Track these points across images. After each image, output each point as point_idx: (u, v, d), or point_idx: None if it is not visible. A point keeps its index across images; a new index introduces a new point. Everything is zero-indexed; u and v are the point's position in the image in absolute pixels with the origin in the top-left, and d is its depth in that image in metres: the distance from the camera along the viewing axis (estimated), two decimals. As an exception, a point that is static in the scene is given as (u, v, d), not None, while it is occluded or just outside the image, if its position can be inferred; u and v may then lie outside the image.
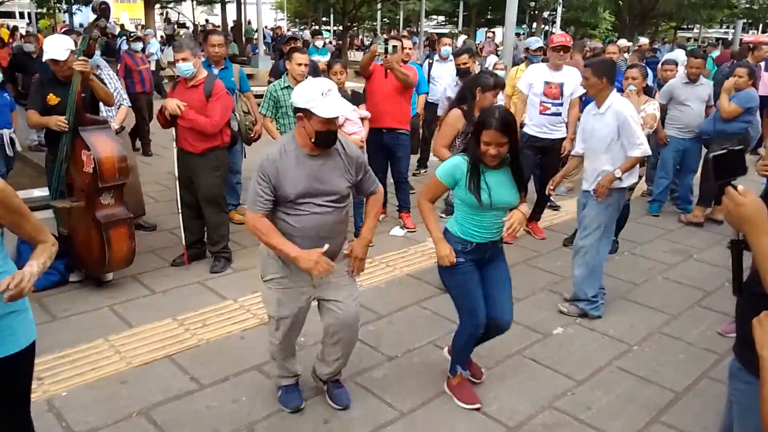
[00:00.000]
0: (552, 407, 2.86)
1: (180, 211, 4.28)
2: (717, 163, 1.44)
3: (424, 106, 6.20)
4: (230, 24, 24.82)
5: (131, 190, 4.36)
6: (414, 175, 6.70)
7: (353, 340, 2.72)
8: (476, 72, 4.80)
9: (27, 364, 1.89)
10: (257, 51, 17.57)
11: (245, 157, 5.43)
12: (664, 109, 5.44)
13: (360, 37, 36.49)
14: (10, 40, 14.50)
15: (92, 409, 2.73)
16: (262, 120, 4.66)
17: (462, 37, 17.35)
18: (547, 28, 26.23)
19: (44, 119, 3.77)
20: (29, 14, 28.30)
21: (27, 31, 14.67)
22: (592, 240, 3.61)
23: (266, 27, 25.72)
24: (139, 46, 7.46)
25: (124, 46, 7.51)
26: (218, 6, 27.38)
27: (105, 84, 4.25)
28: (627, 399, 2.95)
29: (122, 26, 23.53)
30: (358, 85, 6.49)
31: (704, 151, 5.68)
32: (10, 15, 31.76)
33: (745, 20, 23.98)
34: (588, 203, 3.66)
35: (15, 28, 19.70)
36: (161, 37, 21.77)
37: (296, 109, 2.38)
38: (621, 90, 4.85)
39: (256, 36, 19.26)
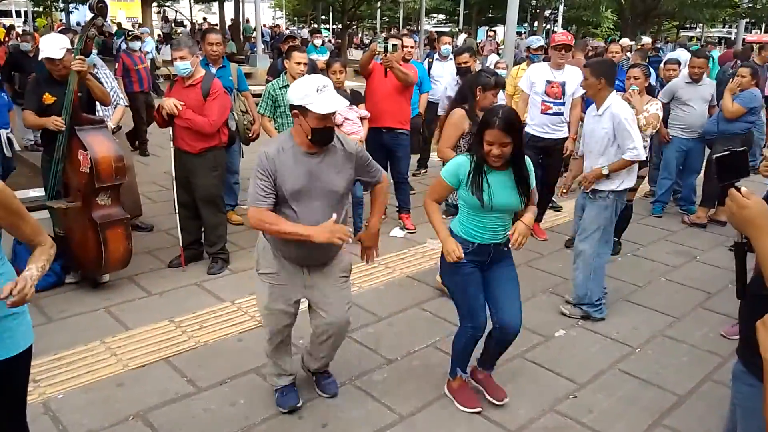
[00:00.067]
0: (553, 410, 2.83)
1: (177, 211, 4.24)
2: (720, 165, 1.42)
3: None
4: (228, 22, 24.78)
5: (128, 191, 4.33)
6: (414, 175, 6.66)
7: (340, 341, 2.78)
8: (477, 71, 4.75)
9: (24, 367, 1.87)
10: (255, 50, 17.54)
11: (243, 156, 5.40)
12: (666, 109, 5.40)
13: (359, 35, 36.48)
14: (6, 39, 14.47)
15: (88, 411, 2.70)
16: (261, 119, 4.63)
17: (462, 36, 17.33)
18: (548, 26, 26.20)
19: (41, 120, 3.73)
20: (26, 13, 28.27)
21: (24, 30, 14.61)
22: (592, 243, 3.59)
23: (265, 25, 25.68)
24: (137, 45, 7.43)
25: (125, 46, 7.47)
26: (216, 4, 27.36)
27: (102, 83, 4.21)
28: (629, 402, 2.92)
29: (119, 25, 23.50)
30: (357, 84, 6.46)
31: (707, 151, 5.66)
32: (6, 14, 31.74)
33: (747, 20, 23.98)
34: (587, 205, 3.64)
35: (11, 27, 19.66)
36: (158, 35, 21.74)
37: (292, 107, 2.36)
38: (623, 89, 4.81)
39: (254, 34, 19.21)
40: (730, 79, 5.45)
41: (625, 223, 4.81)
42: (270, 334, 2.64)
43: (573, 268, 3.74)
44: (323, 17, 32.50)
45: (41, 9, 23.06)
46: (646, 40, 11.38)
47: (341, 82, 4.49)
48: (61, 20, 24.75)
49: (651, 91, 4.91)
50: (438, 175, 2.66)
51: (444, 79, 6.18)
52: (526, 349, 3.33)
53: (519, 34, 21.14)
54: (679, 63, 6.22)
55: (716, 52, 13.15)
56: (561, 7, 23.17)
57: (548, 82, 4.80)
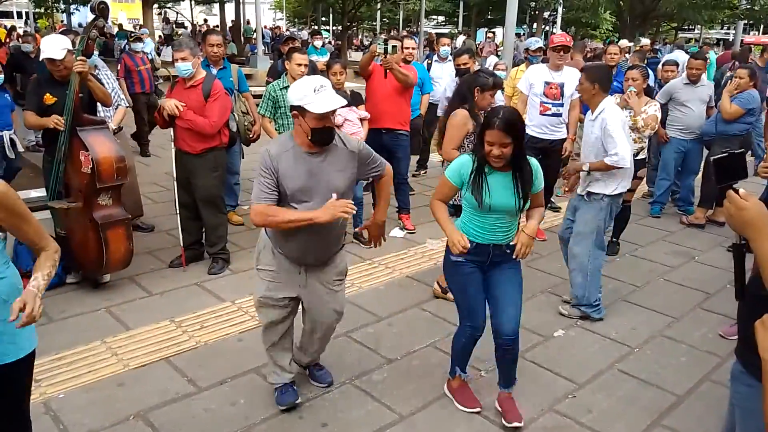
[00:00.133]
0: (552, 410, 2.84)
1: (178, 212, 4.25)
2: (718, 167, 1.43)
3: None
4: (229, 24, 24.80)
5: (129, 191, 4.34)
6: (414, 176, 6.68)
7: (330, 335, 2.86)
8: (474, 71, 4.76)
9: (27, 370, 1.88)
10: (256, 51, 17.55)
11: (243, 157, 5.41)
12: (664, 110, 5.42)
13: (359, 37, 36.50)
14: (7, 40, 14.48)
15: (89, 411, 2.70)
16: (261, 120, 4.64)
17: (461, 38, 17.35)
18: (547, 28, 26.22)
19: (42, 120, 3.74)
20: (27, 14, 28.29)
21: (25, 31, 14.63)
22: (587, 245, 3.60)
23: (265, 27, 25.72)
24: (139, 46, 7.42)
25: (127, 47, 7.45)
26: (217, 6, 27.37)
27: (103, 84, 4.22)
28: (628, 402, 2.93)
29: (120, 26, 23.52)
30: (357, 86, 6.47)
31: (705, 152, 5.68)
32: (7, 15, 31.76)
33: (746, 21, 24.00)
34: (581, 207, 3.65)
35: (13, 28, 19.67)
36: (159, 37, 21.76)
37: (292, 108, 2.39)
38: (621, 91, 4.83)
39: (254, 36, 19.23)
40: (729, 81, 5.47)
41: (623, 224, 4.83)
42: (264, 328, 2.67)
43: (569, 270, 3.75)
44: (323, 19, 32.52)
45: (42, 10, 23.06)
46: (645, 41, 11.42)
47: (341, 83, 4.50)
48: (62, 21, 24.76)
49: (649, 93, 4.93)
50: (441, 176, 2.67)
51: (443, 81, 6.20)
52: (525, 349, 3.34)
53: (518, 35, 21.15)
54: (677, 64, 6.24)
55: (713, 54, 13.19)
56: (560, 9, 23.19)
57: (547, 83, 4.81)
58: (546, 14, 25.93)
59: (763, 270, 1.35)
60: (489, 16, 28.51)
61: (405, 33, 19.28)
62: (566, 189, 3.95)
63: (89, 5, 3.92)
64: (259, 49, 17.41)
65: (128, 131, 6.08)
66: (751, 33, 33.87)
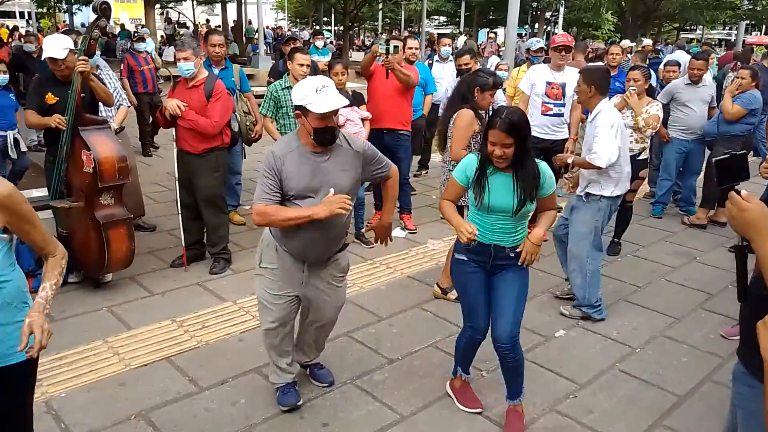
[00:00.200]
0: (554, 410, 2.84)
1: (179, 212, 4.26)
2: (720, 168, 1.43)
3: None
4: (231, 24, 24.82)
5: (131, 191, 4.34)
6: (415, 176, 6.68)
7: (329, 331, 2.90)
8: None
9: (31, 371, 1.87)
10: (258, 51, 17.56)
11: (245, 157, 5.42)
12: (665, 110, 5.42)
13: (361, 37, 36.52)
14: (9, 40, 14.52)
15: (90, 411, 2.71)
16: (263, 120, 4.64)
17: (462, 38, 17.33)
18: (549, 28, 26.21)
19: (44, 119, 3.75)
20: (29, 14, 28.34)
21: (27, 31, 14.67)
22: (585, 246, 3.60)
23: (267, 27, 25.74)
24: (142, 46, 7.43)
25: (138, 46, 7.46)
26: (219, 6, 27.39)
27: (105, 84, 4.23)
28: (629, 402, 2.93)
29: (122, 26, 23.56)
30: (359, 86, 6.48)
31: (707, 152, 5.67)
32: (10, 15, 31.82)
33: (747, 21, 23.97)
34: (580, 208, 3.65)
35: (15, 28, 19.72)
36: (161, 36, 21.78)
37: (295, 107, 2.41)
38: (623, 91, 4.82)
39: (256, 36, 19.24)
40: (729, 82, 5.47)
41: (625, 224, 4.83)
42: (265, 329, 2.66)
43: (570, 271, 3.75)
44: (325, 19, 32.54)
45: (44, 10, 23.08)
46: (647, 42, 11.40)
47: (343, 83, 4.50)
48: (64, 21, 24.80)
49: (651, 93, 4.93)
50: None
51: (444, 81, 6.20)
52: (527, 349, 3.33)
53: (520, 36, 21.16)
54: (678, 65, 6.24)
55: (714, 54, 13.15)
56: (561, 9, 23.17)
57: (548, 83, 4.81)
58: (548, 14, 25.91)
59: (765, 270, 1.35)
60: (491, 17, 28.49)
61: (407, 33, 19.27)
62: (570, 187, 3.95)
63: (91, 5, 3.93)
64: (261, 49, 17.41)
65: (130, 131, 6.08)
66: (753, 33, 33.82)
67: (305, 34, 21.39)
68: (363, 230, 4.82)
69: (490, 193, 2.48)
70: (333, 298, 2.72)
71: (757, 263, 1.40)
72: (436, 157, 6.83)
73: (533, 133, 4.86)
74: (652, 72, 5.16)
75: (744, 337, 1.64)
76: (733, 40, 20.69)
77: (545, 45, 7.33)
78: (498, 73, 6.69)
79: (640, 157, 4.55)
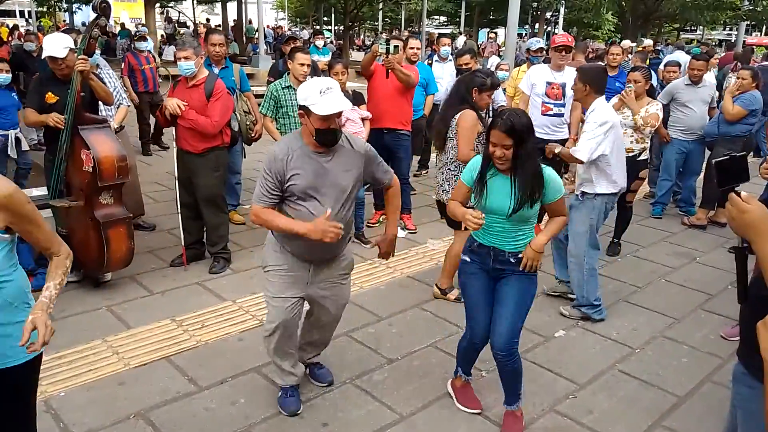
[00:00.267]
0: (553, 411, 2.84)
1: (179, 211, 4.26)
2: (720, 170, 1.43)
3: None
4: (231, 23, 24.81)
5: (130, 190, 4.34)
6: (415, 176, 6.68)
7: (333, 328, 2.90)
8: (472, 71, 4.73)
9: (34, 372, 1.86)
10: (258, 50, 17.56)
11: (245, 157, 5.41)
12: (666, 111, 5.41)
13: (361, 37, 36.52)
14: (9, 39, 14.51)
15: (90, 410, 2.71)
16: (263, 120, 4.64)
17: (461, 38, 17.33)
18: (549, 28, 26.21)
19: (42, 117, 3.74)
20: (29, 13, 28.35)
21: (27, 30, 14.67)
22: (583, 244, 3.62)
23: (268, 26, 25.74)
24: (144, 45, 7.42)
25: (139, 45, 7.45)
26: (219, 5, 27.39)
27: (104, 83, 4.23)
28: (629, 403, 2.93)
29: (122, 25, 23.56)
30: (359, 85, 6.47)
31: (707, 153, 5.67)
32: (10, 14, 31.81)
33: (748, 22, 23.97)
34: (575, 207, 3.66)
35: (15, 27, 19.72)
36: (161, 36, 21.77)
37: (299, 107, 2.41)
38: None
39: (256, 35, 19.25)
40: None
41: (625, 225, 4.83)
42: (268, 333, 2.62)
43: (569, 270, 3.76)
44: (325, 18, 32.54)
45: (45, 9, 23.08)
46: (648, 42, 11.40)
47: (343, 83, 4.50)
48: (64, 20, 24.80)
49: (652, 93, 4.93)
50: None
51: (444, 80, 6.20)
52: (526, 350, 3.34)
53: (520, 36, 21.15)
54: (679, 65, 6.23)
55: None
56: (562, 9, 23.18)
57: (549, 83, 4.81)
58: (548, 15, 25.92)
59: (765, 271, 1.35)
60: (491, 17, 28.51)
61: (407, 33, 19.27)
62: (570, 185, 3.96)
63: (91, 4, 3.92)
64: (261, 49, 17.42)
65: (130, 130, 6.08)
66: (753, 34, 33.84)
67: (305, 34, 21.39)
68: (362, 230, 4.82)
69: (488, 194, 2.48)
70: (338, 296, 2.72)
71: (757, 264, 1.40)
72: (435, 157, 6.83)
73: (533, 133, 4.89)
74: (652, 72, 5.16)
75: (744, 338, 1.64)
76: (733, 41, 20.69)
77: (545, 45, 7.33)
78: (499, 73, 6.70)
79: (641, 158, 4.55)
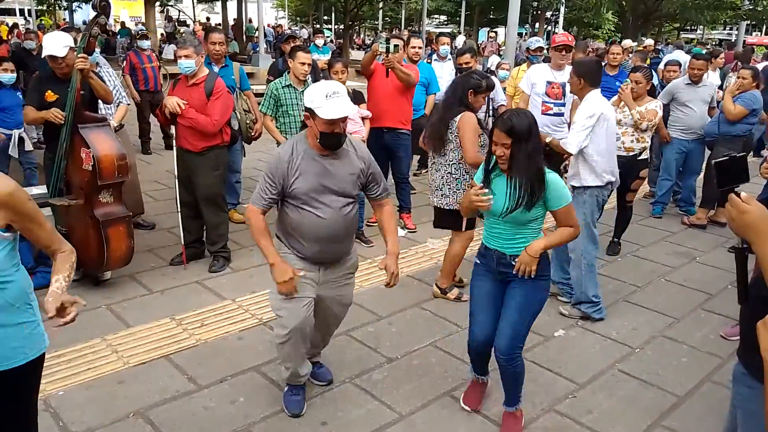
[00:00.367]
0: (553, 410, 2.84)
1: (179, 210, 4.25)
2: (720, 170, 1.42)
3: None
4: (231, 22, 24.80)
5: (130, 189, 4.34)
6: (415, 175, 6.68)
7: (337, 326, 2.90)
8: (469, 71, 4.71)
9: (36, 373, 1.85)
10: (258, 49, 17.55)
11: (245, 156, 5.41)
12: (666, 110, 5.41)
13: (361, 36, 36.51)
14: (9, 37, 14.50)
15: (89, 409, 2.70)
16: (263, 118, 4.64)
17: (461, 37, 17.31)
18: (549, 28, 26.21)
19: (41, 113, 3.74)
20: (29, 11, 28.33)
21: (27, 29, 14.66)
22: (580, 240, 3.60)
23: (268, 25, 25.72)
24: (146, 43, 7.41)
25: (141, 44, 7.43)
26: (219, 4, 27.38)
27: (104, 81, 4.22)
28: (628, 402, 2.93)
29: (122, 24, 23.55)
30: (359, 84, 6.47)
31: (707, 152, 5.67)
32: (9, 12, 31.79)
33: (748, 22, 23.98)
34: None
35: (15, 25, 19.70)
36: (161, 35, 21.76)
37: (305, 109, 2.41)
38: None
39: (256, 34, 19.24)
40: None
41: (625, 224, 4.83)
42: (287, 335, 2.53)
43: (570, 268, 3.76)
44: (325, 17, 32.52)
45: (44, 7, 23.07)
46: (649, 42, 11.39)
47: (343, 82, 4.49)
48: (64, 19, 24.79)
49: (652, 93, 4.92)
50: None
51: (443, 80, 6.18)
52: (526, 349, 3.30)
53: (520, 35, 21.15)
54: (679, 64, 6.23)
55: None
56: (562, 9, 23.17)
57: (549, 82, 4.81)
58: (548, 14, 25.91)
59: (765, 272, 1.35)
60: (491, 16, 28.51)
61: (407, 32, 19.24)
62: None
63: (91, 3, 3.92)
64: (261, 48, 17.41)
65: (130, 129, 6.08)
66: (754, 34, 33.84)
67: (304, 33, 21.39)
68: (362, 229, 4.81)
69: (491, 194, 2.47)
70: (343, 296, 2.73)
71: (756, 264, 1.40)
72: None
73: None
74: (653, 72, 5.16)
75: (744, 338, 1.64)
76: (733, 41, 20.69)
77: (545, 44, 7.32)
78: (500, 72, 6.68)
79: (641, 157, 4.55)
